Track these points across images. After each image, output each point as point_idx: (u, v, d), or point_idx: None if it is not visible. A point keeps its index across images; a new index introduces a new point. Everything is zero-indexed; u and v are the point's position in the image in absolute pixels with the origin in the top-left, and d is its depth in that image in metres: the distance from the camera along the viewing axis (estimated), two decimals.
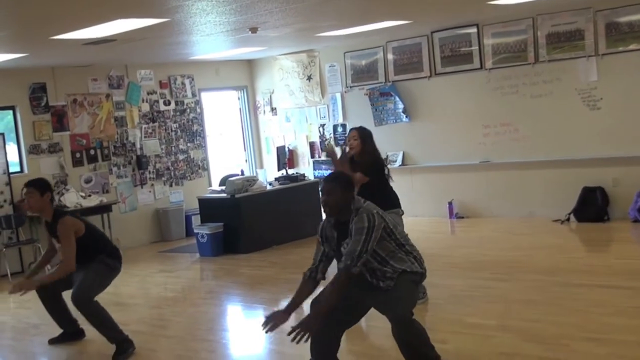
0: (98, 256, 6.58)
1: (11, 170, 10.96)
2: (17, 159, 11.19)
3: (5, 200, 10.78)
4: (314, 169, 13.46)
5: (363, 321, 5.61)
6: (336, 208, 4.88)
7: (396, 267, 4.85)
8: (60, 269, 6.40)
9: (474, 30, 11.27)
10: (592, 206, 10.42)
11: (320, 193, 4.91)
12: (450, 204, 11.66)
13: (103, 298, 7.71)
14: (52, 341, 7.02)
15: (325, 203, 4.88)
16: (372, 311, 5.04)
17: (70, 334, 7.00)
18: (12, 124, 11.24)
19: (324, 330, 4.86)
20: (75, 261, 6.39)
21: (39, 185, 6.52)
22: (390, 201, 6.97)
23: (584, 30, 10.28)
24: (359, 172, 6.96)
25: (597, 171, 10.46)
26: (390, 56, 12.29)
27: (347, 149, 7.34)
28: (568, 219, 10.56)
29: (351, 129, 7.41)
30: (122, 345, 6.39)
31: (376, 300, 4.90)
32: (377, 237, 4.75)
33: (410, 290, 4.90)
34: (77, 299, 6.41)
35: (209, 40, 9.94)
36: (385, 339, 5.65)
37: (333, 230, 4.95)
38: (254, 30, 9.01)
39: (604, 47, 10.17)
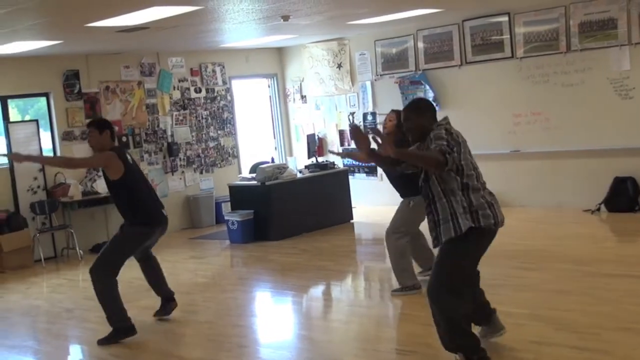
0: (131, 216, 6.65)
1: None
2: (50, 146, 11.32)
3: (39, 186, 10.92)
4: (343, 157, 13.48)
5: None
6: (414, 133, 5.05)
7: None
8: (61, 158, 6.42)
9: (505, 18, 11.21)
10: (623, 196, 10.36)
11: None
12: None
13: (136, 284, 7.87)
14: (157, 313, 7.13)
15: (406, 129, 5.11)
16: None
17: (164, 303, 7.09)
18: (46, 110, 11.37)
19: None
20: (75, 164, 6.74)
21: (97, 124, 6.66)
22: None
23: (617, 19, 10.20)
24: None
25: (628, 161, 10.40)
26: (420, 44, 12.26)
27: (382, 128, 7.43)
28: (599, 209, 10.51)
29: (391, 111, 7.46)
30: (114, 333, 6.51)
31: None
32: (459, 150, 4.83)
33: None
34: (92, 267, 6.57)
35: (241, 28, 9.98)
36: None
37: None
38: (285, 18, 9.04)
39: (637, 36, 10.08)
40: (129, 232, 6.69)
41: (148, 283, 7.23)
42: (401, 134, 7.21)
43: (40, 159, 6.63)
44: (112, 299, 6.57)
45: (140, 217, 6.66)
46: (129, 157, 6.70)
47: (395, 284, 7.38)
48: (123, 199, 6.66)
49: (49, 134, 11.35)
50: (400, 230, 7.24)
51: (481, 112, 11.64)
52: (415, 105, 5.16)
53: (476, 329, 5.34)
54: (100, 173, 11.38)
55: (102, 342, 6.48)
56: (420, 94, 12.22)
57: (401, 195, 7.39)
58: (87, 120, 11.37)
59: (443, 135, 4.82)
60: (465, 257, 4.95)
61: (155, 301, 7.29)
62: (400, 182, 7.24)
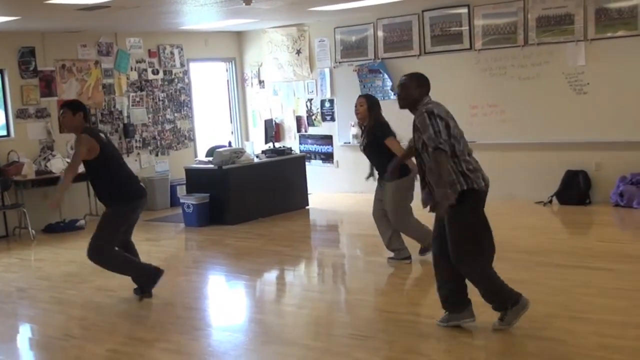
0: (108, 195, 6.74)
1: None
2: (3, 122, 11.14)
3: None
4: (300, 143, 13.50)
5: None
6: (405, 101, 5.51)
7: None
8: (65, 174, 6.70)
9: (464, 10, 11.31)
10: (575, 189, 10.56)
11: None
12: None
13: (89, 264, 7.82)
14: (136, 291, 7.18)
15: (398, 96, 5.56)
16: None
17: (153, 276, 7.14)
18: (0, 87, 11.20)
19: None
20: (76, 168, 6.59)
21: (71, 106, 6.82)
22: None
23: (574, 14, 10.36)
24: (365, 136, 7.59)
25: (580, 155, 10.59)
26: (380, 33, 12.31)
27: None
28: (550, 201, 10.70)
29: (359, 96, 7.87)
30: (142, 282, 6.94)
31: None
32: (444, 124, 5.24)
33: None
34: (87, 253, 6.73)
35: (201, 10, 9.92)
36: None
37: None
38: (247, 2, 8.98)
39: (593, 33, 10.26)
40: (114, 212, 6.77)
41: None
42: (373, 119, 7.41)
43: (63, 187, 6.74)
44: (127, 266, 6.88)
45: (119, 194, 6.73)
46: (102, 135, 6.85)
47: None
48: (100, 178, 6.75)
49: (2, 111, 11.16)
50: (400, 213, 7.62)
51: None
52: (416, 76, 5.58)
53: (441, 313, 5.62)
54: (55, 152, 11.29)
55: (138, 292, 6.93)
56: (379, 83, 12.29)
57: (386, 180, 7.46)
58: (43, 99, 11.29)
59: (427, 122, 5.21)
60: (467, 216, 5.39)
61: (113, 281, 7.28)
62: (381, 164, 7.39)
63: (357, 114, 7.71)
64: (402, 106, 5.56)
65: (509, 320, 5.39)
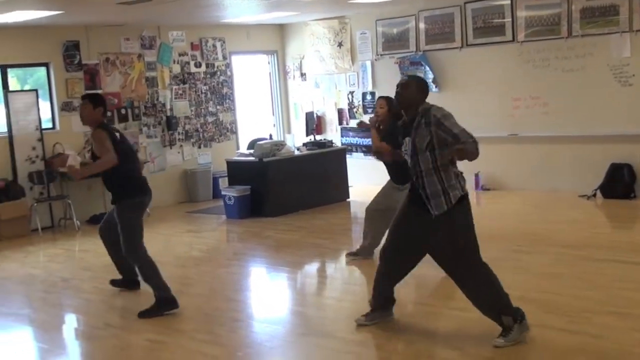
0: (120, 190, 6.68)
1: (43, 126, 11.10)
2: (49, 115, 11.33)
3: (37, 156, 10.94)
4: (342, 136, 13.51)
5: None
6: (406, 104, 5.32)
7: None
8: (101, 162, 6.51)
9: (507, 1, 11.20)
10: (619, 183, 10.41)
11: (396, 87, 5.42)
12: (476, 175, 11.66)
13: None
14: (113, 283, 7.34)
15: (397, 94, 5.34)
16: None
17: (126, 282, 7.24)
18: (44, 80, 11.37)
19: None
20: (116, 156, 6.48)
21: (92, 98, 6.80)
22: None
23: (618, 5, 10.20)
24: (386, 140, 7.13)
25: (625, 148, 10.44)
26: (422, 25, 12.24)
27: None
28: (594, 195, 10.56)
29: (379, 98, 7.61)
30: (157, 304, 6.48)
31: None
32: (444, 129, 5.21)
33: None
34: (125, 251, 6.65)
35: (243, 3, 9.98)
36: None
37: (400, 130, 5.43)
38: None
39: (638, 24, 10.09)
40: (126, 210, 6.67)
41: (115, 262, 7.26)
42: (392, 120, 7.26)
43: (89, 171, 6.77)
44: (153, 273, 6.62)
45: (128, 190, 6.66)
46: (117, 133, 6.74)
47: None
48: (111, 174, 6.64)
49: (48, 103, 11.35)
50: (380, 208, 7.59)
51: (480, 95, 11.65)
52: (421, 81, 5.51)
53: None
54: None
55: (144, 314, 6.42)
56: (420, 75, 12.21)
57: (394, 182, 7.45)
58: (88, 92, 11.42)
59: (452, 118, 5.30)
60: (469, 225, 5.23)
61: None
62: (394, 168, 7.28)
63: (376, 115, 7.47)
64: (402, 106, 5.40)
65: (513, 337, 5.09)
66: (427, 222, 5.19)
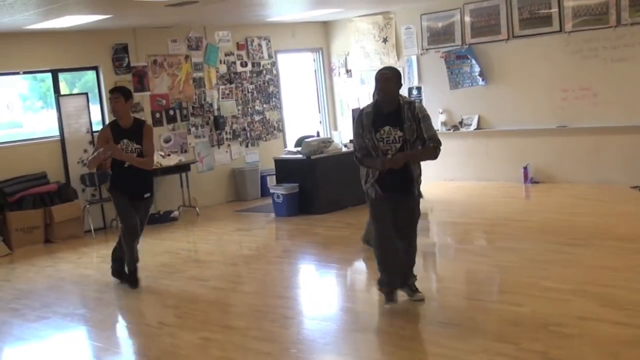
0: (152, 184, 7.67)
1: (94, 129, 11.25)
2: (99, 118, 11.49)
3: (88, 159, 11.08)
4: None
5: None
6: (390, 94, 5.86)
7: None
8: (144, 161, 7.30)
9: None
10: None
11: (376, 82, 5.95)
12: (525, 168, 11.56)
13: (182, 255, 8.03)
14: (117, 275, 7.81)
15: (381, 89, 5.86)
16: None
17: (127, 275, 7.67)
18: (93, 83, 11.53)
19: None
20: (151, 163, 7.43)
21: (124, 92, 7.35)
22: None
23: None
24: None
25: None
26: (467, 18, 12.17)
27: None
28: None
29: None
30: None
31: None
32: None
33: None
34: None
35: (288, 1, 10.00)
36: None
37: (369, 118, 5.92)
38: None
39: None
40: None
41: (124, 255, 7.67)
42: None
43: (126, 155, 7.20)
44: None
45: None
46: None
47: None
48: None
49: (98, 107, 11.51)
50: None
51: (528, 87, 11.54)
52: (398, 73, 5.94)
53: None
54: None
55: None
56: (467, 69, 12.16)
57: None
58: (136, 94, 11.55)
59: (428, 115, 5.97)
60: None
61: (206, 271, 7.45)
62: None
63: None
64: (386, 98, 5.88)
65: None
66: (408, 200, 6.07)
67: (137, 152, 7.32)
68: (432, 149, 5.87)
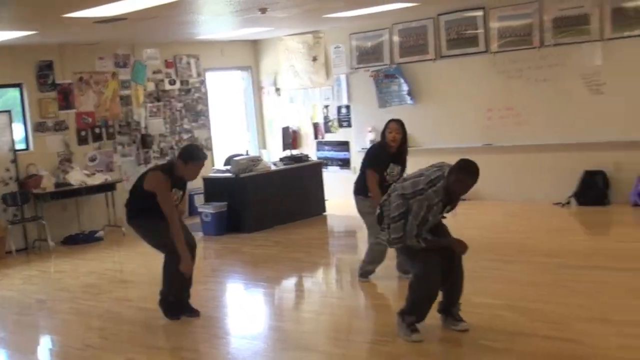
0: None
1: (17, 147, 10.99)
2: (22, 135, 11.21)
3: (11, 178, 10.82)
4: (317, 150, 13.50)
5: None
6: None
7: None
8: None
9: (480, 13, 11.27)
10: (593, 190, 10.49)
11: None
12: None
13: (108, 275, 7.85)
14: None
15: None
16: None
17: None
18: (16, 100, 11.26)
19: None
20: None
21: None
22: None
23: (590, 14, 10.30)
24: (400, 163, 7.23)
25: (598, 155, 10.51)
26: (395, 38, 12.29)
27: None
28: (569, 203, 10.63)
29: (391, 121, 7.27)
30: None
31: None
32: None
33: None
34: None
35: (218, 20, 9.96)
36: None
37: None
38: (263, 10, 9.03)
39: (609, 32, 10.19)
40: None
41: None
42: (401, 143, 7.16)
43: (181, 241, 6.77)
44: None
45: None
46: None
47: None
48: None
49: (21, 125, 11.24)
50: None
51: (455, 106, 11.70)
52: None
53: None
54: (74, 164, 11.35)
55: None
56: (395, 88, 12.27)
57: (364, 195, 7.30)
58: (61, 112, 11.38)
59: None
60: None
61: (132, 292, 7.29)
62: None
63: (393, 141, 7.14)
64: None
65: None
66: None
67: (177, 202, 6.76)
68: None
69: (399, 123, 7.20)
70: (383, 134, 7.20)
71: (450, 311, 5.71)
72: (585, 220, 10.08)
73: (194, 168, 6.58)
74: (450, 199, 5.41)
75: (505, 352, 5.15)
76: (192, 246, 6.78)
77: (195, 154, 6.70)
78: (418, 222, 5.29)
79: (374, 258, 7.37)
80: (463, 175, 5.26)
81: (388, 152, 7.15)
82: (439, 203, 5.31)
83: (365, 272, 7.47)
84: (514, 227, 9.70)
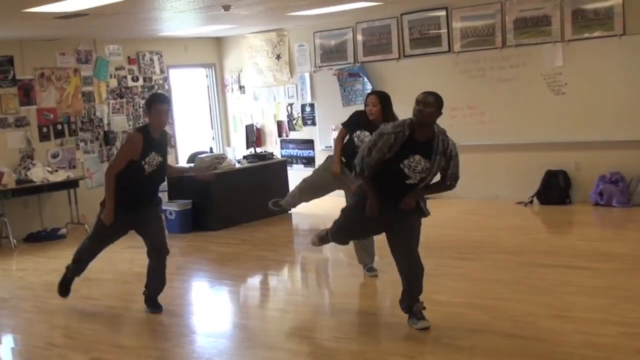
0: None
1: None
2: None
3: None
4: (282, 148, 13.52)
5: None
6: (428, 120, 5.41)
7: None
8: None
9: (443, 13, 11.37)
10: (555, 189, 10.64)
11: (416, 102, 5.45)
12: None
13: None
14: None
15: (419, 111, 5.39)
16: None
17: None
18: None
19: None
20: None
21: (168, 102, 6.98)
22: None
23: (551, 16, 10.45)
24: None
25: (560, 155, 10.67)
26: (359, 37, 12.35)
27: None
28: (531, 202, 10.77)
29: (369, 94, 7.35)
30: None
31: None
32: None
33: None
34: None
35: (181, 16, 9.92)
36: None
37: (402, 141, 5.44)
38: (226, 7, 9.01)
39: (570, 33, 10.35)
40: None
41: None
42: (383, 117, 6.98)
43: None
44: None
45: None
46: None
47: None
48: None
49: None
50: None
51: None
52: (440, 100, 5.50)
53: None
54: (35, 161, 11.23)
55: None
56: (359, 87, 12.33)
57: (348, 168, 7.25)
58: (22, 108, 11.25)
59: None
60: None
61: (96, 290, 7.25)
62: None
63: (370, 114, 7.10)
64: (423, 123, 5.43)
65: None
66: (412, 218, 5.80)
67: (159, 165, 6.83)
68: (446, 187, 5.79)
69: (377, 94, 7.23)
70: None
71: (411, 309, 5.77)
72: (547, 219, 10.23)
73: (156, 113, 6.59)
74: (413, 139, 5.46)
75: (467, 349, 5.22)
76: (157, 248, 6.82)
77: (154, 98, 6.84)
78: (366, 150, 5.55)
79: (293, 193, 8.26)
80: (419, 104, 5.42)
81: (367, 118, 7.11)
82: (392, 135, 5.43)
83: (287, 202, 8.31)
84: (476, 225, 9.81)
